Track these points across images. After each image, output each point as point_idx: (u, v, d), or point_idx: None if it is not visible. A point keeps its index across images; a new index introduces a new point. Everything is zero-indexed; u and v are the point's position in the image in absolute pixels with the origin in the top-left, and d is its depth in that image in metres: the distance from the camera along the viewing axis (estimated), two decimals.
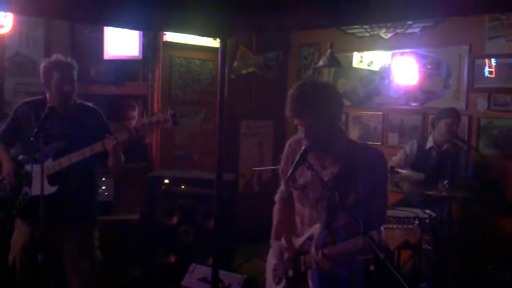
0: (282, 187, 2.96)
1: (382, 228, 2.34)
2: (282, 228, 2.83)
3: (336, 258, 2.47)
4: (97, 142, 3.34)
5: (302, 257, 2.58)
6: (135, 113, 5.91)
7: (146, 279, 4.99)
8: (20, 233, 3.53)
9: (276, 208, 2.95)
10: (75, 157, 3.33)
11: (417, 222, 2.41)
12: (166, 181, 5.04)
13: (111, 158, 3.42)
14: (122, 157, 3.52)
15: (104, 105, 5.65)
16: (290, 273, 2.64)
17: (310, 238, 2.56)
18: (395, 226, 2.39)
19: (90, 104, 3.68)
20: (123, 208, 5.33)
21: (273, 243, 2.79)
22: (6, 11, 4.40)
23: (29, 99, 3.68)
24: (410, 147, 5.17)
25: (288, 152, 2.80)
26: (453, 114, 4.90)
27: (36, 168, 3.33)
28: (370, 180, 2.52)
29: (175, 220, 5.02)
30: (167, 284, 4.82)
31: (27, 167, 3.43)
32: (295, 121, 2.52)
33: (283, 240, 2.70)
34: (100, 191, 4.94)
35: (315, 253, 2.48)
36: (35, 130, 3.15)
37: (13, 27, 5.06)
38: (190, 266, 4.54)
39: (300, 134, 2.65)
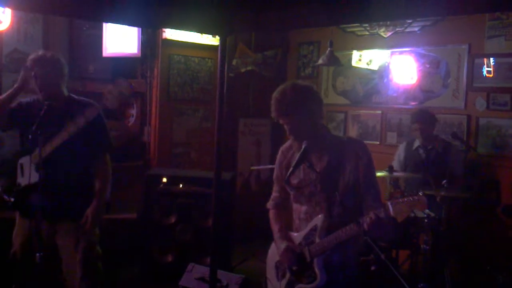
0: (275, 193, 3.09)
1: (389, 203, 2.48)
2: (286, 230, 2.96)
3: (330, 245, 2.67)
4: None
5: (306, 248, 2.74)
6: (133, 111, 5.89)
7: (144, 278, 4.98)
8: (20, 228, 3.53)
9: (273, 214, 3.07)
10: (56, 140, 3.32)
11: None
12: (164, 179, 5.02)
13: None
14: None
15: (101, 103, 5.68)
16: (295, 266, 2.78)
17: (314, 229, 2.73)
18: (400, 200, 2.48)
19: (88, 100, 3.64)
20: (120, 207, 5.30)
21: (281, 243, 2.88)
22: (4, 6, 4.37)
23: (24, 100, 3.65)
24: (399, 151, 5.30)
25: (281, 159, 2.99)
26: (420, 118, 5.00)
27: (26, 158, 3.38)
28: (355, 168, 2.71)
29: (172, 219, 5.01)
30: (164, 283, 4.81)
31: (22, 159, 3.46)
32: (280, 121, 2.77)
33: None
34: None
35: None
36: (33, 127, 3.13)
37: (11, 23, 5.03)
38: (188, 266, 4.53)
39: (290, 141, 2.90)
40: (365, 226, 2.49)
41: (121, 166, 3.64)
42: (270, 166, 6.22)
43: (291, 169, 2.72)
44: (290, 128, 2.76)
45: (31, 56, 3.47)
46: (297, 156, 2.74)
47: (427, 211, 4.37)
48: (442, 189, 4.40)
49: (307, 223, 2.81)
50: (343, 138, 3.01)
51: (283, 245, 2.85)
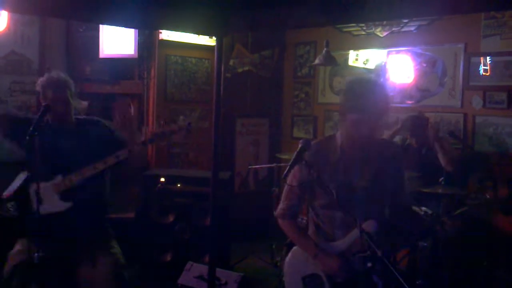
0: (292, 202, 2.86)
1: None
2: (313, 241, 2.79)
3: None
4: (108, 155, 3.29)
5: (357, 256, 2.56)
6: (131, 112, 5.90)
7: (142, 277, 4.98)
8: (20, 251, 3.31)
9: (293, 225, 2.86)
10: (88, 171, 3.27)
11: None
12: (162, 179, 5.03)
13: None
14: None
15: (99, 104, 5.69)
16: (340, 278, 2.62)
17: (364, 236, 2.53)
18: None
19: (92, 117, 3.63)
20: (118, 206, 5.31)
21: (325, 255, 2.69)
22: (0, 9, 4.38)
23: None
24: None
25: (314, 161, 2.65)
26: (414, 133, 5.02)
27: (44, 185, 3.24)
28: (397, 173, 2.73)
29: (171, 218, 5.02)
30: (163, 282, 4.82)
31: (34, 185, 3.30)
32: (354, 116, 2.57)
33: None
34: None
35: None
36: (30, 129, 3.13)
37: (8, 25, 5.04)
38: (186, 264, 4.54)
39: (322, 141, 2.83)
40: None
41: (119, 166, 3.61)
42: (268, 165, 6.26)
43: (287, 167, 2.51)
44: (364, 127, 2.58)
45: (40, 80, 3.42)
46: (335, 159, 2.65)
47: (424, 208, 4.39)
48: (439, 187, 4.41)
49: (344, 229, 2.67)
50: (383, 140, 2.88)
51: (334, 258, 2.65)
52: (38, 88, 3.40)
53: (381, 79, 6.03)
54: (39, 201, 3.23)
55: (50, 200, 3.24)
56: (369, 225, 2.58)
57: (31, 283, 3.23)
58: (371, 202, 2.60)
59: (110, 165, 3.31)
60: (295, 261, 2.83)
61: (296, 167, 2.69)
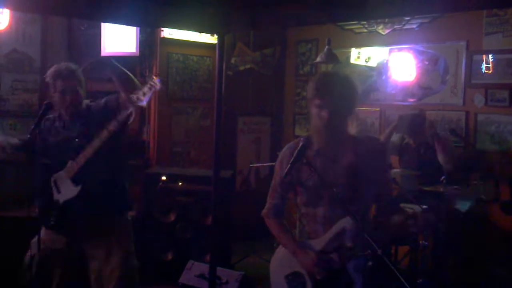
0: (276, 200, 2.86)
1: None
2: (294, 239, 2.81)
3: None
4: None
5: (335, 253, 2.58)
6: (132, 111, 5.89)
7: (144, 276, 4.98)
8: (43, 240, 3.25)
9: (277, 223, 2.85)
10: (88, 150, 3.22)
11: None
12: (163, 178, 5.03)
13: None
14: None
15: None
16: (320, 275, 2.61)
17: (341, 233, 2.58)
18: None
19: (100, 100, 3.54)
20: None
21: (303, 253, 2.68)
22: (2, 7, 4.38)
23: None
24: (392, 148, 5.28)
25: (288, 160, 2.68)
26: (412, 133, 5.04)
27: (59, 174, 3.29)
28: (377, 168, 2.67)
29: (172, 217, 5.02)
30: (164, 281, 4.82)
31: (54, 176, 3.34)
32: (315, 102, 2.60)
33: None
34: None
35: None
36: (32, 126, 3.13)
37: (10, 23, 5.04)
38: (187, 263, 4.54)
39: (293, 142, 2.76)
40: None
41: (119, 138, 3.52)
42: (269, 164, 6.25)
43: (288, 166, 2.54)
44: (328, 112, 2.56)
45: (49, 71, 3.39)
46: (312, 155, 2.63)
47: (424, 206, 4.39)
48: (441, 185, 4.41)
49: (326, 226, 2.65)
50: (360, 136, 2.83)
51: (309, 254, 2.64)
52: (47, 79, 3.37)
53: (376, 77, 6.04)
54: (58, 190, 3.28)
55: (65, 187, 3.27)
56: (345, 222, 2.58)
57: (51, 271, 3.27)
58: (350, 199, 2.57)
59: (105, 139, 3.20)
60: (279, 260, 2.83)
61: (276, 165, 2.83)
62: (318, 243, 2.66)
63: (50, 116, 3.42)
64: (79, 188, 3.24)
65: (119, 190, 3.46)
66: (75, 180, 3.26)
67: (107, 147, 3.23)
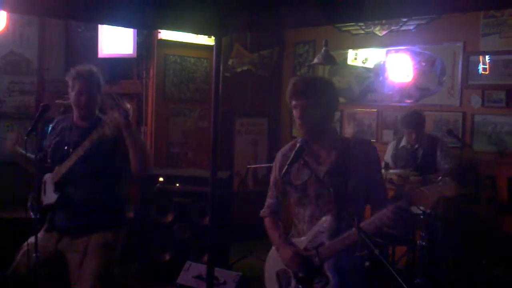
0: (271, 200, 2.95)
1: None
2: (286, 236, 2.85)
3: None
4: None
5: (314, 251, 2.62)
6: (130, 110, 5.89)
7: (141, 276, 4.99)
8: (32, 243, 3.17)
9: (270, 222, 2.92)
10: (72, 158, 3.14)
11: (447, 178, 2.45)
12: (161, 179, 5.03)
13: (129, 148, 3.09)
14: (144, 146, 3.29)
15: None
16: (301, 273, 2.66)
17: (321, 231, 2.62)
18: (423, 188, 2.45)
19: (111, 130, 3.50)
20: None
21: (285, 250, 2.74)
22: None
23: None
24: (388, 149, 5.31)
25: (281, 162, 2.82)
26: (414, 126, 4.98)
27: (48, 176, 3.28)
28: (365, 170, 2.65)
29: (170, 218, 5.02)
30: (162, 281, 4.82)
31: (46, 176, 3.32)
32: (293, 103, 2.66)
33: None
34: None
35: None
36: (29, 128, 3.13)
37: (7, 25, 5.04)
38: (185, 264, 4.54)
39: (290, 143, 2.81)
40: (386, 220, 2.42)
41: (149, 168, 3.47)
42: (267, 165, 6.26)
43: (286, 167, 2.56)
44: (303, 113, 2.63)
45: (71, 70, 3.32)
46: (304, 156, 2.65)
47: (422, 207, 4.39)
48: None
49: (312, 226, 2.68)
50: (351, 138, 2.89)
51: (288, 251, 2.69)
52: (67, 78, 3.30)
53: (374, 78, 6.05)
54: (44, 191, 3.30)
55: (49, 190, 3.27)
56: (324, 221, 2.62)
57: (36, 275, 3.24)
58: (336, 199, 2.57)
59: (88, 149, 3.09)
60: (272, 256, 2.88)
61: (273, 166, 2.90)
62: (302, 242, 2.72)
63: (63, 117, 3.44)
64: (55, 197, 3.22)
65: (104, 208, 3.28)
66: (56, 186, 3.23)
67: (98, 161, 3.17)
